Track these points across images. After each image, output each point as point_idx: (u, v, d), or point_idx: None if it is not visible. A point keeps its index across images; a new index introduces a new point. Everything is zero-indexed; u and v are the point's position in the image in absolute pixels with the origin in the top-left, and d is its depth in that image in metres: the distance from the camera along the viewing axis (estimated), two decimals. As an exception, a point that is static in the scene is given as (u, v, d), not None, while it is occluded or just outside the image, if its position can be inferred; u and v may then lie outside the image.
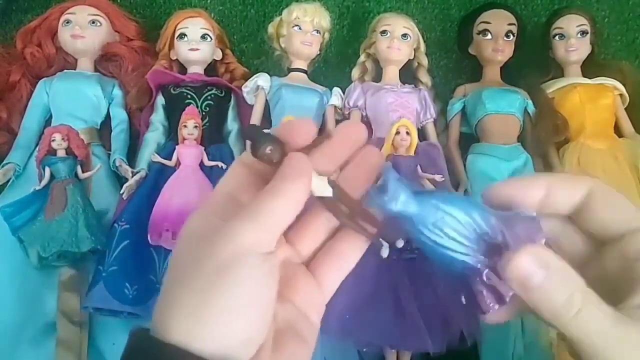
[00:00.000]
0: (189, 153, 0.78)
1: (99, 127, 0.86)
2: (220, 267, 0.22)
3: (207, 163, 0.79)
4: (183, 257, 0.24)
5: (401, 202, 0.24)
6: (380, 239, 0.27)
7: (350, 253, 0.28)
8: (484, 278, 0.25)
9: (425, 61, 0.92)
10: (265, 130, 0.26)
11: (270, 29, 0.91)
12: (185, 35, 0.87)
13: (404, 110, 0.85)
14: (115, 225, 0.73)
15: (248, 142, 0.26)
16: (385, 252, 0.27)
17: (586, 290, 0.24)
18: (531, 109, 0.89)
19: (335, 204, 0.26)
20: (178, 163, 0.78)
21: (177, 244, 0.25)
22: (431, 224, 0.25)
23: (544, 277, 0.24)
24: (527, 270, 0.24)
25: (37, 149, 0.77)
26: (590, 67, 0.93)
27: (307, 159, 0.25)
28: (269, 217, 0.24)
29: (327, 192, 0.26)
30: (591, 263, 0.27)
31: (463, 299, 0.27)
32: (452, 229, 0.25)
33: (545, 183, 0.27)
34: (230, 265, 0.22)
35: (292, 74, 0.88)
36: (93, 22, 0.88)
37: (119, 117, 0.87)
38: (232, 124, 0.88)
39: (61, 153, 0.75)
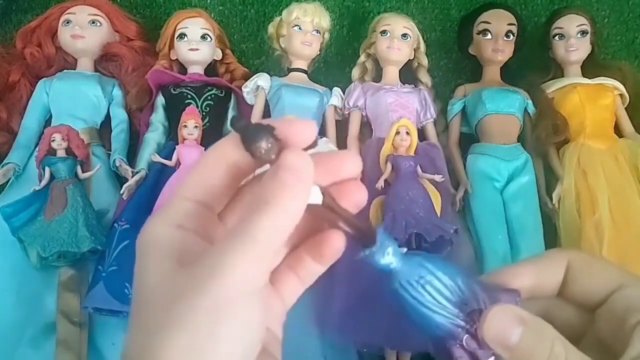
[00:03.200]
0: (189, 153, 0.78)
1: (99, 127, 0.86)
2: (218, 307, 0.20)
3: (207, 163, 0.79)
4: (163, 285, 0.21)
5: (388, 255, 0.24)
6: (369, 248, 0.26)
7: (314, 265, 0.26)
8: (464, 343, 0.25)
9: (425, 61, 0.92)
10: (257, 122, 0.23)
11: (270, 29, 0.91)
12: (185, 35, 0.87)
13: (404, 110, 0.85)
14: (115, 225, 0.73)
15: (235, 134, 0.23)
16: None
17: (565, 340, 0.24)
18: (531, 109, 0.89)
19: (322, 211, 0.24)
20: (178, 163, 0.78)
21: (143, 258, 0.23)
22: (414, 281, 0.25)
23: (522, 332, 0.24)
24: (504, 327, 0.24)
25: (37, 149, 0.77)
26: (590, 67, 0.93)
27: (308, 157, 0.22)
28: (269, 244, 0.21)
29: (317, 199, 0.24)
30: (587, 332, 0.27)
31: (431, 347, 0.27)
32: (435, 289, 0.25)
33: (532, 272, 0.27)
34: (228, 305, 0.20)
35: (292, 74, 0.88)
36: (93, 22, 0.88)
37: (119, 117, 0.87)
38: (232, 124, 0.88)
39: (61, 153, 0.75)
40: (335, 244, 0.25)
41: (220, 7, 1.00)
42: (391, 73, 0.89)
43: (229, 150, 0.24)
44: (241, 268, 0.21)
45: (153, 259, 0.22)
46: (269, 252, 0.21)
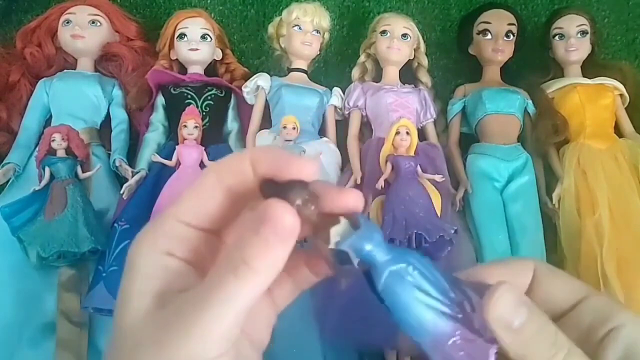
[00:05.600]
0: (189, 153, 0.78)
1: (99, 127, 0.86)
2: None
3: (207, 163, 0.79)
4: (136, 326, 0.21)
5: (375, 242, 0.22)
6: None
7: (310, 276, 0.26)
8: (456, 341, 0.23)
9: (425, 61, 0.92)
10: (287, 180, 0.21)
11: (270, 29, 0.91)
12: (185, 35, 0.87)
13: (404, 110, 0.85)
14: (115, 225, 0.73)
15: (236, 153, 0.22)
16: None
17: (563, 333, 0.23)
18: (531, 109, 0.89)
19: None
20: (178, 163, 0.78)
21: (126, 282, 0.22)
22: (401, 268, 0.23)
23: (527, 315, 0.22)
24: (510, 307, 0.22)
25: (37, 149, 0.77)
26: (590, 67, 0.93)
27: (294, 213, 0.20)
28: (243, 307, 0.20)
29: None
30: None
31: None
32: (422, 275, 0.23)
33: (502, 270, 0.27)
34: None
35: (292, 74, 0.88)
36: (93, 22, 0.88)
37: (119, 117, 0.87)
38: (232, 124, 0.88)
39: (61, 153, 0.75)
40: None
41: (220, 7, 1.00)
42: (391, 73, 0.89)
43: (227, 172, 0.23)
44: (208, 337, 0.20)
45: (136, 290, 0.22)
46: (242, 314, 0.20)
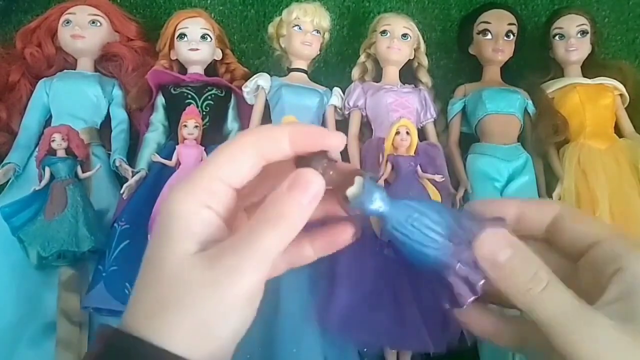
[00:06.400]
0: (189, 153, 0.78)
1: (99, 127, 0.86)
2: (226, 308, 0.23)
3: (207, 163, 0.79)
4: (182, 266, 0.23)
5: (376, 200, 0.26)
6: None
7: (308, 253, 0.30)
8: (457, 270, 0.27)
9: (425, 61, 0.92)
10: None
11: (270, 29, 0.91)
12: (185, 35, 0.87)
13: (404, 110, 0.85)
14: (115, 225, 0.73)
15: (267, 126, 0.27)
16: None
17: (550, 271, 0.26)
18: (531, 109, 0.89)
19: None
20: (178, 163, 0.78)
21: (165, 230, 0.24)
22: (404, 220, 0.27)
23: (511, 253, 0.26)
24: (495, 246, 0.26)
25: (37, 149, 0.77)
26: (590, 67, 0.93)
27: (321, 178, 0.25)
28: (274, 254, 0.24)
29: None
30: (568, 284, 0.28)
31: (445, 303, 0.28)
32: (424, 225, 0.27)
33: (517, 204, 0.30)
34: (234, 308, 0.23)
35: (292, 74, 0.88)
36: (93, 22, 0.88)
37: (119, 117, 0.87)
38: (232, 124, 0.88)
39: (61, 153, 0.75)
40: (347, 236, 0.28)
41: (220, 7, 1.00)
42: (391, 73, 0.89)
43: (267, 145, 0.26)
44: (252, 277, 0.23)
45: (177, 235, 0.24)
46: (271, 261, 0.24)
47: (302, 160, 0.26)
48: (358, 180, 0.26)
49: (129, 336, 0.22)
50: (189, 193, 0.24)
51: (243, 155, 0.25)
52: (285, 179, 0.25)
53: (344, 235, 0.29)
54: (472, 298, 0.27)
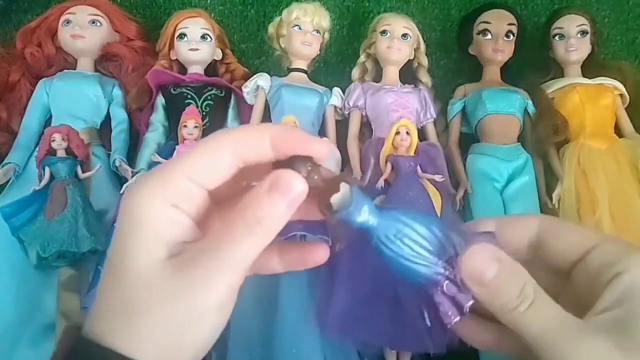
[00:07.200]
0: (189, 153, 0.78)
1: (99, 127, 0.86)
2: (194, 317, 0.22)
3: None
4: (150, 275, 0.22)
5: (364, 213, 0.25)
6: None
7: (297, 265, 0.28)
8: (444, 289, 0.26)
9: (425, 61, 0.92)
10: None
11: (270, 29, 0.91)
12: (185, 35, 0.87)
13: (404, 110, 0.85)
14: (115, 225, 0.72)
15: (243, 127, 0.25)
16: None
17: (537, 285, 0.25)
18: (531, 109, 0.89)
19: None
20: (178, 163, 0.78)
21: (131, 234, 0.22)
22: (392, 235, 0.25)
23: (497, 270, 0.25)
24: (480, 264, 0.25)
25: (37, 149, 0.77)
26: (590, 67, 0.93)
27: (303, 181, 0.23)
28: (248, 261, 0.22)
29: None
30: (560, 298, 0.27)
31: (427, 321, 0.28)
32: (412, 240, 0.26)
33: (493, 222, 0.29)
34: (203, 318, 0.22)
35: (292, 74, 0.88)
36: (93, 22, 0.88)
37: (119, 117, 0.87)
38: (232, 124, 0.88)
39: (61, 153, 0.75)
40: (318, 258, 0.27)
41: (220, 7, 1.00)
42: (391, 73, 0.89)
43: (246, 146, 0.24)
44: (225, 285, 0.22)
45: (144, 240, 0.22)
46: (246, 268, 0.23)
47: (283, 164, 0.24)
48: (344, 187, 0.24)
49: (95, 345, 0.21)
50: (156, 193, 0.23)
51: (219, 159, 0.24)
52: (266, 178, 0.23)
53: (316, 257, 0.27)
54: (458, 318, 0.26)
